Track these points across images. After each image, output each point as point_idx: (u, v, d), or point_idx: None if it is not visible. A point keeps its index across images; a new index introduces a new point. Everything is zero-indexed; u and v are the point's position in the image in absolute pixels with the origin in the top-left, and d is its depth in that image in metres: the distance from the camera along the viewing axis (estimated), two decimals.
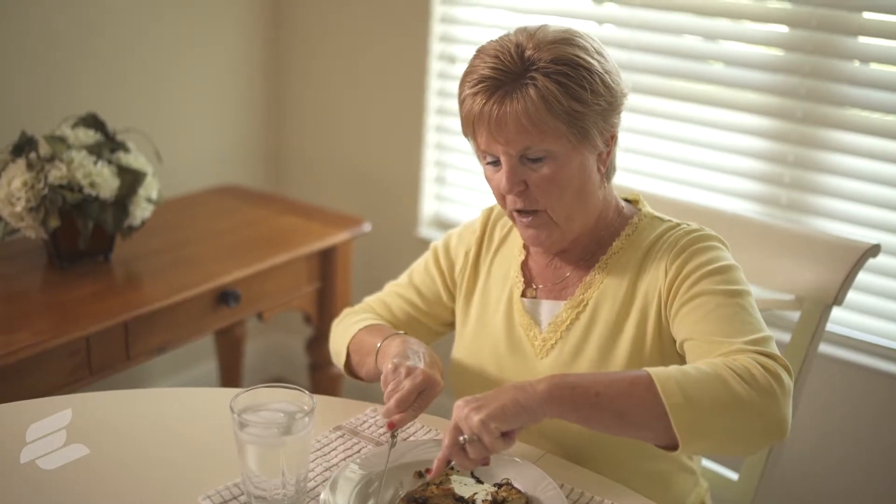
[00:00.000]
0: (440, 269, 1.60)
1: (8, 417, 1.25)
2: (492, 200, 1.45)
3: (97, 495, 1.15)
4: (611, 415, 1.16)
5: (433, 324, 1.60)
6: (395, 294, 1.62)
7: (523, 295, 1.48)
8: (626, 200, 1.50)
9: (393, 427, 1.24)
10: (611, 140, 1.38)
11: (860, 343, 2.30)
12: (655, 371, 1.17)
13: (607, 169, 1.41)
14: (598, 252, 1.44)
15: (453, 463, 1.25)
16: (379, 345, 1.43)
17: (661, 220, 1.45)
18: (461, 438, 1.12)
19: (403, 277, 1.64)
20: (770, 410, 1.16)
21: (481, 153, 1.37)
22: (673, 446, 1.17)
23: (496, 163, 1.35)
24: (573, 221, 1.38)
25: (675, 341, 1.35)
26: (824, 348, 2.28)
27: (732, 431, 1.17)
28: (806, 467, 2.40)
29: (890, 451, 2.29)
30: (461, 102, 1.36)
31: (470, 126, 1.34)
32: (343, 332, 1.55)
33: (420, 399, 1.27)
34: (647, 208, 1.48)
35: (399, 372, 1.30)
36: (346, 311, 1.63)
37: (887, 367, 2.25)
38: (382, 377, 1.33)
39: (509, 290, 1.50)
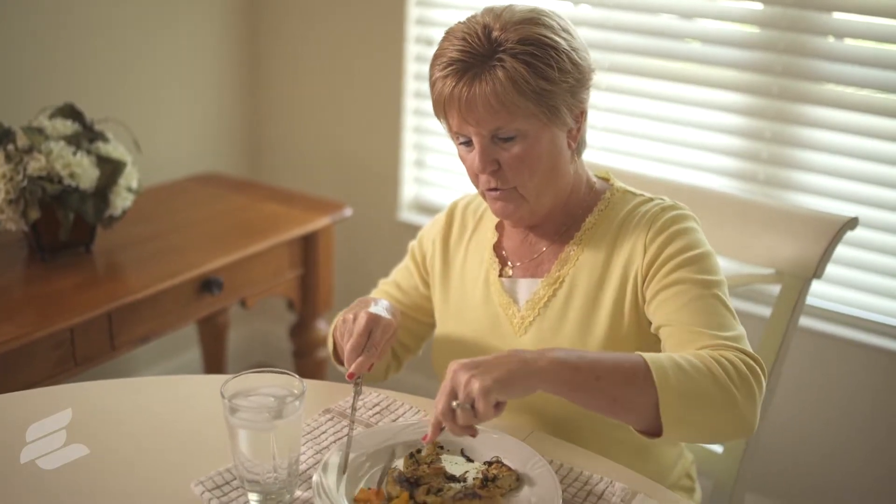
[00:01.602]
0: (415, 262, 1.63)
1: (8, 417, 1.24)
2: (469, 185, 1.46)
3: (97, 495, 1.14)
4: (606, 399, 1.17)
5: (419, 315, 1.63)
6: (381, 291, 1.67)
7: (500, 275, 1.50)
8: (598, 177, 1.52)
9: (352, 376, 1.31)
10: (580, 116, 1.40)
11: (839, 316, 2.33)
12: (651, 360, 1.18)
13: (578, 144, 1.43)
14: (571, 227, 1.46)
15: (442, 442, 1.27)
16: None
17: (634, 193, 1.47)
18: (454, 403, 1.11)
19: (390, 276, 1.68)
20: (746, 409, 1.20)
21: (454, 134, 1.39)
22: (653, 432, 1.19)
23: (469, 143, 1.37)
24: (544, 197, 1.40)
25: (649, 320, 1.37)
26: (804, 321, 2.31)
27: (710, 425, 1.21)
28: (787, 439, 2.43)
29: (868, 421, 2.32)
30: (432, 85, 1.37)
31: (441, 108, 1.36)
32: (331, 327, 1.58)
33: (371, 340, 1.32)
34: (619, 183, 1.49)
35: (347, 321, 1.37)
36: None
37: (866, 338, 2.28)
38: (339, 335, 1.39)
39: (485, 271, 1.52)
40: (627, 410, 1.18)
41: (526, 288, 1.47)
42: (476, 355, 1.46)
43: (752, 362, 1.23)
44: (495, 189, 1.38)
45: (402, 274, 1.65)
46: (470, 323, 1.51)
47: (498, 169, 1.36)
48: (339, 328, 1.41)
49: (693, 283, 1.32)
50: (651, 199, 1.44)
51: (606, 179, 1.51)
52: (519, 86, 1.29)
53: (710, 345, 1.26)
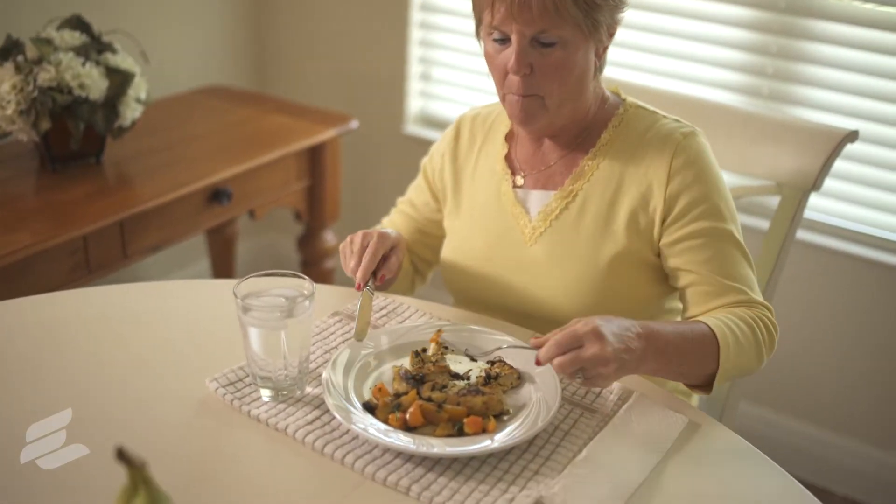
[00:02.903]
0: (426, 177, 1.66)
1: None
2: (474, 99, 1.47)
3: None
4: (676, 374, 1.30)
5: (434, 230, 1.67)
6: (398, 211, 1.72)
7: (513, 185, 1.52)
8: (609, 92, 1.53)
9: (360, 288, 1.41)
10: (610, 36, 1.42)
11: (836, 229, 2.36)
12: (721, 337, 1.29)
13: (601, 63, 1.44)
14: (585, 141, 1.48)
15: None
16: None
17: (647, 110, 1.48)
18: (578, 374, 1.16)
19: (406, 194, 1.73)
20: (765, 361, 1.37)
21: (490, 29, 1.37)
22: (699, 387, 1.33)
23: (504, 40, 1.37)
24: (564, 108, 1.41)
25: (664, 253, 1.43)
26: (802, 234, 2.34)
27: (740, 377, 1.40)
28: (784, 349, 2.48)
29: (863, 331, 2.37)
30: None
31: (488, 1, 1.35)
32: None
33: (367, 251, 1.43)
34: (630, 99, 1.51)
35: (346, 246, 1.47)
36: None
37: (862, 251, 2.32)
38: (344, 258, 1.47)
39: (497, 182, 1.54)
40: (687, 378, 1.32)
41: (538, 199, 1.49)
42: (483, 265, 1.51)
43: (773, 319, 1.38)
44: (520, 94, 1.39)
45: (416, 191, 1.69)
46: (480, 233, 1.54)
47: (530, 73, 1.36)
48: (346, 256, 1.48)
49: (716, 235, 1.39)
50: (665, 118, 1.47)
51: (616, 94, 1.52)
52: None
53: (740, 301, 1.37)
